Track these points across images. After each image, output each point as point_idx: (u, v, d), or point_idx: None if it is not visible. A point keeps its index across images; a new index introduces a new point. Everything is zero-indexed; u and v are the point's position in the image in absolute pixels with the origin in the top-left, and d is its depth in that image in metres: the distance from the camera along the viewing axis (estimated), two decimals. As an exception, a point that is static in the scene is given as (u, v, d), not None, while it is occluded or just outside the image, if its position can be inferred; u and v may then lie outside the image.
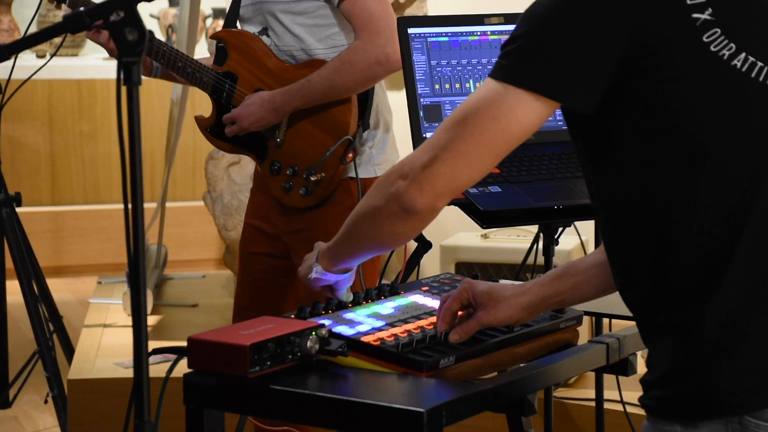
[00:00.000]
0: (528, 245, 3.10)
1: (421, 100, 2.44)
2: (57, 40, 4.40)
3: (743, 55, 1.53)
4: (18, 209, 3.49)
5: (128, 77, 1.47)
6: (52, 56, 3.41)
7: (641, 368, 1.76)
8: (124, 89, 1.48)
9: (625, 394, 2.96)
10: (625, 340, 1.90)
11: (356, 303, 1.84)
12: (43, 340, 3.39)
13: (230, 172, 4.69)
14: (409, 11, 4.45)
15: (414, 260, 2.34)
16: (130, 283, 1.50)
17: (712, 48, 1.52)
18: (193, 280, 5.30)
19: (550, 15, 1.53)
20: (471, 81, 2.50)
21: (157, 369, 1.72)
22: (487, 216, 2.26)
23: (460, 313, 1.75)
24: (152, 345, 1.55)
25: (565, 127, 1.64)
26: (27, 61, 6.09)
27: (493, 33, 2.53)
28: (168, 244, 5.38)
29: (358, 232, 1.72)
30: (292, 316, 1.76)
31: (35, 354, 3.42)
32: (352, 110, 2.81)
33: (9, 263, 3.46)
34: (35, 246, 3.59)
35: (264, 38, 2.87)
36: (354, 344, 1.66)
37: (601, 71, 1.51)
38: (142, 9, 1.50)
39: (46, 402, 3.48)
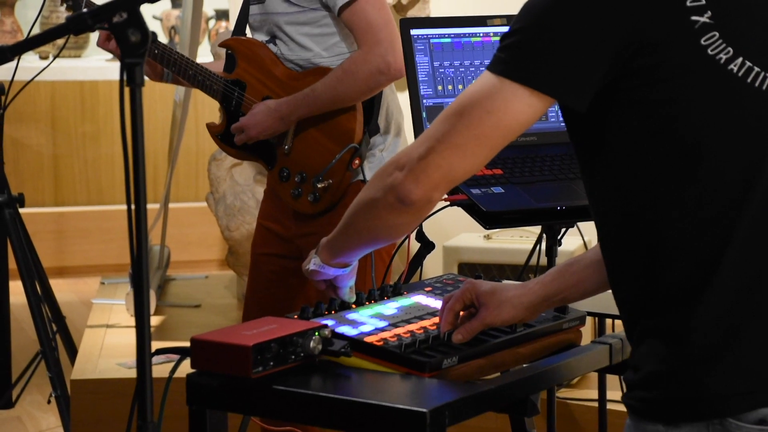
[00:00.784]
0: (531, 246, 3.10)
1: (424, 101, 2.44)
2: (60, 41, 4.40)
3: (740, 59, 1.53)
4: (21, 210, 3.49)
5: (131, 78, 1.47)
6: (55, 58, 3.42)
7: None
8: (127, 90, 1.48)
9: (628, 394, 2.96)
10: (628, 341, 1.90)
11: (359, 303, 1.84)
12: (46, 340, 3.39)
13: (233, 173, 4.69)
14: (412, 13, 4.45)
15: (417, 261, 2.34)
16: (133, 283, 1.51)
17: (709, 51, 1.52)
18: (195, 280, 5.30)
19: (549, 11, 1.53)
20: (474, 82, 2.50)
21: (160, 369, 1.72)
22: (489, 217, 2.26)
23: (462, 313, 1.75)
24: (155, 345, 1.56)
25: (568, 128, 1.64)
26: (30, 62, 6.10)
27: (495, 34, 2.53)
28: (171, 245, 5.39)
29: (356, 224, 1.73)
30: (295, 316, 1.76)
31: (38, 354, 3.43)
32: (357, 117, 2.82)
33: (12, 264, 3.47)
34: (38, 247, 3.60)
35: (271, 46, 2.88)
36: (357, 345, 1.67)
37: (596, 69, 1.51)
38: (145, 10, 1.49)
39: (49, 402, 3.49)
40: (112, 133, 6.36)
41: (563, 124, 1.63)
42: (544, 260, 2.56)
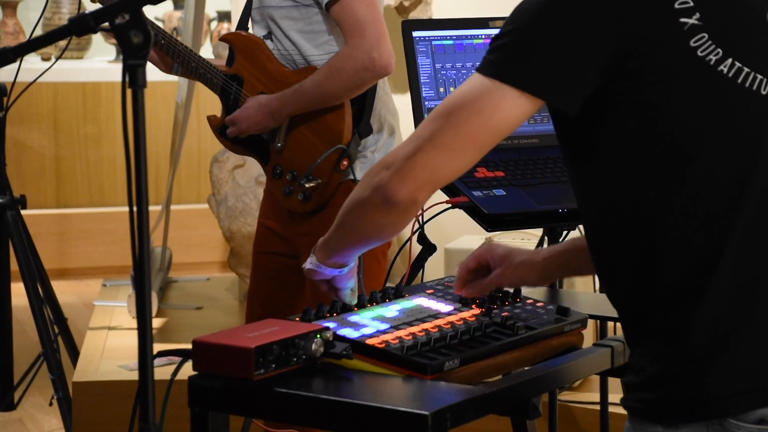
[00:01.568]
0: (533, 249, 3.09)
1: (426, 103, 2.44)
2: (62, 42, 4.40)
3: (730, 60, 1.53)
4: (23, 212, 3.49)
5: (133, 80, 1.47)
6: (57, 59, 3.42)
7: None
8: (129, 92, 1.48)
9: (630, 397, 2.96)
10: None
11: (361, 306, 1.84)
12: (48, 342, 3.39)
13: (235, 175, 4.69)
14: (414, 14, 4.45)
15: (418, 263, 2.34)
16: (134, 285, 1.51)
17: (699, 53, 1.52)
18: (197, 282, 5.30)
19: (540, 13, 1.53)
20: (476, 84, 2.50)
21: (161, 371, 1.72)
22: (491, 219, 2.26)
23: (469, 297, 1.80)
24: (157, 347, 1.56)
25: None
26: (32, 63, 6.10)
27: (497, 36, 2.53)
28: (173, 247, 5.39)
29: (346, 224, 1.74)
30: (297, 318, 1.76)
31: (40, 356, 3.43)
32: (345, 118, 2.81)
33: (14, 266, 3.47)
34: (40, 248, 3.60)
35: (268, 42, 2.89)
36: (358, 347, 1.66)
37: (586, 72, 1.51)
38: (147, 12, 1.50)
39: (51, 404, 3.48)
40: (114, 135, 6.37)
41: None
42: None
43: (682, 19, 1.52)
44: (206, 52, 6.31)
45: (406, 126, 2.96)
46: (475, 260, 1.84)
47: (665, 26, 1.52)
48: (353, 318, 1.78)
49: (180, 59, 2.88)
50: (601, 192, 1.57)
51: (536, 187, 2.34)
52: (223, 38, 2.95)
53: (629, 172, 1.54)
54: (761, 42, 1.57)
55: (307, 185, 2.81)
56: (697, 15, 1.53)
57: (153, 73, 2.97)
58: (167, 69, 2.95)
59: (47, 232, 6.02)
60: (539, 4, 1.53)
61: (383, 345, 1.66)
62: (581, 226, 2.60)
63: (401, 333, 1.72)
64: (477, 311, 1.85)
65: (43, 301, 3.45)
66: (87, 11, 1.54)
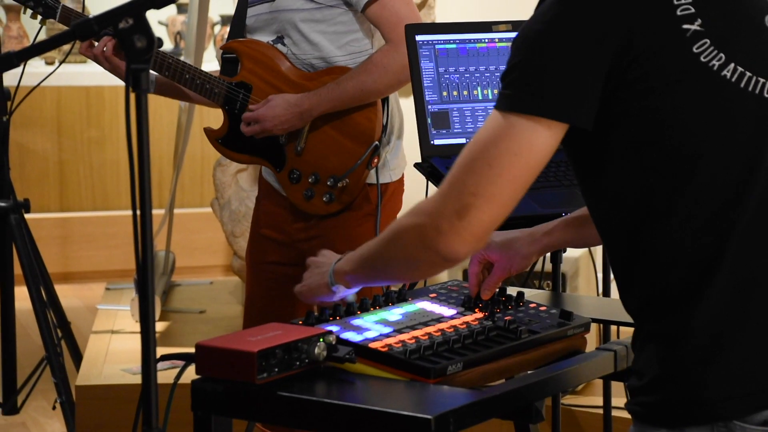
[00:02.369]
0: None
1: (429, 107, 2.44)
2: (66, 47, 4.41)
3: (732, 65, 1.54)
4: (26, 215, 3.49)
5: (137, 84, 1.47)
6: (60, 63, 3.42)
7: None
8: (132, 96, 1.48)
9: (633, 401, 2.95)
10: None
11: (364, 309, 1.84)
12: (51, 346, 3.39)
13: (238, 179, 4.70)
14: (417, 18, 4.45)
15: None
16: (138, 289, 1.51)
17: (702, 59, 1.53)
18: (200, 286, 5.30)
19: (542, 38, 1.53)
20: (479, 88, 2.50)
21: (164, 375, 1.72)
22: (494, 223, 2.25)
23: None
24: (160, 351, 1.56)
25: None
26: (36, 68, 6.11)
27: (500, 40, 2.53)
28: (176, 251, 5.39)
29: (389, 274, 1.73)
30: (300, 322, 1.76)
31: (43, 360, 3.43)
32: (377, 115, 2.81)
33: (17, 269, 3.47)
34: (43, 252, 3.60)
35: (279, 47, 2.86)
36: (362, 350, 1.66)
37: (596, 85, 1.52)
38: (151, 16, 1.50)
39: (54, 408, 3.49)
40: (117, 139, 6.37)
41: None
42: (548, 266, 2.56)
43: (685, 26, 1.53)
44: (210, 55, 6.31)
45: (408, 129, 2.96)
46: (477, 263, 1.89)
47: (668, 33, 1.52)
48: (356, 321, 1.78)
49: (170, 72, 2.82)
50: (610, 199, 1.58)
51: (539, 191, 2.34)
52: (227, 47, 2.90)
53: (636, 177, 1.54)
54: (761, 46, 1.57)
55: (339, 185, 2.80)
56: (699, 21, 1.53)
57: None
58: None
59: (50, 235, 6.03)
60: (541, 30, 1.53)
61: (386, 349, 1.66)
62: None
63: (404, 337, 1.72)
64: (480, 315, 1.85)
65: (47, 305, 3.45)
66: (91, 16, 1.54)
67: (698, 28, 1.53)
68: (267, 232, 2.96)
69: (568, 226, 1.91)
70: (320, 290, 1.81)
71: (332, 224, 2.87)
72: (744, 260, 1.53)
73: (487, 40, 2.52)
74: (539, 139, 1.53)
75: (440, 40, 2.48)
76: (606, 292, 2.97)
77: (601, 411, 2.96)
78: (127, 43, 1.47)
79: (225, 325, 4.47)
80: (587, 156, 1.59)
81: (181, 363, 1.67)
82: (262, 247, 2.97)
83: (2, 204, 3.43)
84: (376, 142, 2.79)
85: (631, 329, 1.90)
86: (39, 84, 3.45)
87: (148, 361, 1.50)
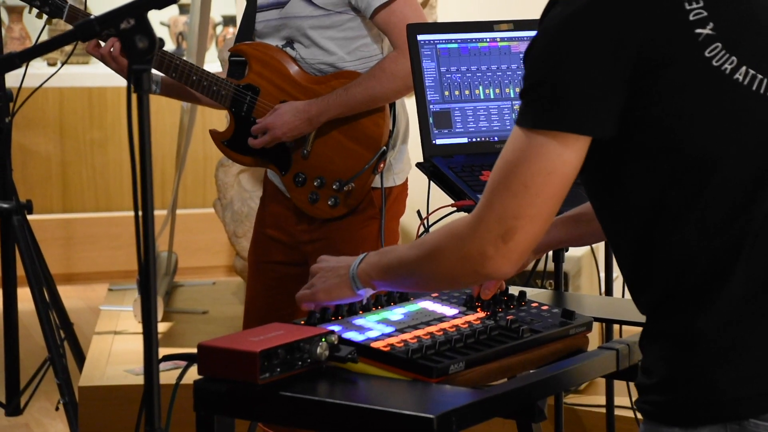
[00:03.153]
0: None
1: (431, 106, 2.44)
2: (68, 48, 4.41)
3: (744, 68, 1.54)
4: (29, 217, 3.50)
5: (139, 85, 1.47)
6: (63, 64, 3.43)
7: (651, 374, 1.76)
8: (134, 97, 1.48)
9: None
10: (635, 346, 1.90)
11: (366, 309, 1.84)
12: (54, 347, 3.40)
13: (240, 180, 4.70)
14: (419, 18, 4.44)
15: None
16: (140, 290, 1.51)
17: (714, 63, 1.53)
18: (203, 287, 5.31)
19: (561, 52, 1.52)
20: (480, 87, 2.50)
21: (167, 376, 1.72)
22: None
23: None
24: (162, 352, 1.56)
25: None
26: (38, 69, 6.11)
27: (502, 39, 2.53)
28: (178, 251, 5.39)
29: (424, 286, 1.74)
30: (302, 322, 1.76)
31: (46, 361, 3.43)
32: (385, 120, 2.82)
33: (20, 271, 3.47)
34: (46, 253, 3.60)
35: (289, 50, 2.87)
36: (364, 350, 1.67)
37: (617, 96, 1.52)
38: (153, 17, 1.50)
39: (57, 409, 3.49)
40: (120, 140, 6.37)
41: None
42: (551, 265, 2.56)
43: (697, 30, 1.53)
44: (212, 56, 6.31)
45: (411, 130, 2.96)
46: None
47: (681, 38, 1.52)
48: (358, 321, 1.78)
49: (178, 74, 2.83)
50: (624, 205, 1.58)
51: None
52: (236, 49, 2.90)
53: (651, 182, 1.55)
54: None
55: (345, 189, 2.81)
56: (711, 25, 1.53)
57: (158, 77, 2.97)
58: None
59: (53, 237, 6.03)
60: (557, 43, 1.53)
61: (388, 348, 1.67)
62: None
63: (406, 336, 1.72)
64: (482, 314, 1.85)
65: (50, 306, 3.46)
66: (92, 16, 1.54)
67: (710, 32, 1.53)
68: (271, 232, 2.97)
69: (565, 225, 1.92)
70: (342, 292, 1.79)
71: (336, 227, 2.87)
72: (758, 262, 1.54)
73: (488, 40, 2.52)
74: (569, 155, 1.53)
75: (442, 40, 2.48)
76: (608, 291, 2.97)
77: (603, 410, 2.96)
78: (128, 44, 1.47)
79: (227, 326, 4.48)
80: (600, 163, 1.59)
81: (183, 363, 1.67)
82: (266, 246, 2.98)
83: (5, 205, 3.43)
84: (384, 148, 2.80)
85: (634, 328, 1.90)
86: (41, 85, 3.45)
87: (151, 362, 1.50)
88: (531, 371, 1.78)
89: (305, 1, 2.82)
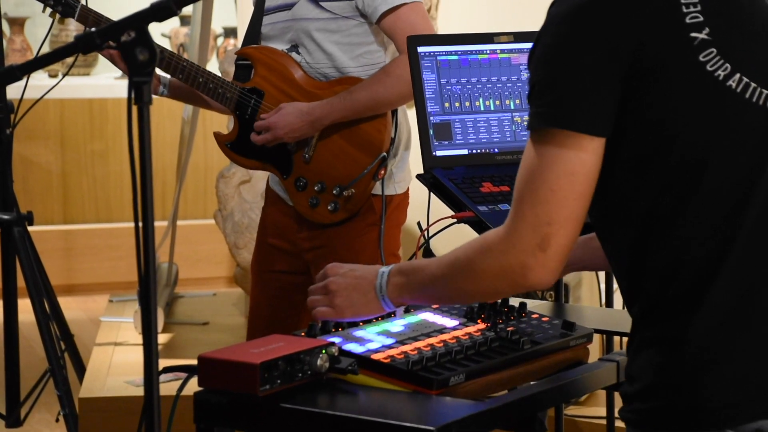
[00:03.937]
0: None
1: (431, 118, 2.44)
2: (69, 59, 4.41)
3: (738, 75, 1.54)
4: (30, 228, 3.50)
5: (139, 97, 1.48)
6: (64, 76, 3.43)
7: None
8: (135, 108, 1.48)
9: (637, 412, 2.95)
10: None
11: (366, 321, 1.84)
12: (54, 358, 3.39)
13: (241, 191, 4.70)
14: (419, 30, 4.45)
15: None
16: (141, 301, 1.51)
17: (708, 68, 1.53)
18: (203, 298, 5.30)
19: (565, 54, 1.53)
20: (480, 99, 2.50)
21: (167, 387, 1.72)
22: (497, 234, 2.26)
23: None
24: (163, 363, 1.56)
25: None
26: (39, 80, 6.12)
27: (502, 51, 2.54)
28: (179, 262, 5.39)
29: (462, 300, 1.75)
30: (303, 333, 1.76)
31: (47, 372, 3.43)
32: (387, 126, 2.82)
33: (21, 282, 3.47)
34: (47, 264, 3.60)
35: (294, 55, 2.88)
36: (364, 362, 1.66)
37: (615, 98, 1.53)
38: (154, 28, 1.50)
39: (57, 420, 3.49)
40: (121, 151, 6.38)
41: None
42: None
43: (693, 34, 1.53)
44: (212, 67, 6.32)
45: (412, 140, 2.96)
46: None
47: (676, 41, 1.53)
48: (358, 333, 1.78)
49: (184, 75, 2.85)
50: (615, 208, 1.59)
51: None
52: (242, 52, 2.92)
53: (641, 187, 1.55)
54: (766, 56, 1.58)
55: (344, 194, 2.81)
56: (707, 30, 1.54)
57: (159, 89, 2.98)
58: (152, 91, 2.93)
59: (54, 248, 6.03)
60: (560, 46, 1.53)
61: (388, 360, 1.66)
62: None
63: (407, 348, 1.72)
64: (482, 326, 1.85)
65: (50, 317, 3.46)
66: (93, 29, 1.55)
67: (705, 36, 1.53)
68: (274, 241, 2.97)
69: (583, 246, 1.90)
70: (371, 310, 1.77)
71: (336, 233, 2.87)
72: (745, 269, 1.54)
73: (488, 52, 2.53)
74: (586, 156, 1.54)
75: (442, 52, 2.49)
76: (609, 303, 2.97)
77: (604, 422, 2.96)
78: (129, 56, 1.48)
79: (228, 337, 4.47)
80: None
81: (183, 375, 1.67)
82: (269, 255, 2.98)
83: (6, 217, 3.44)
84: (384, 154, 2.80)
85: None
86: (42, 96, 3.45)
87: (151, 373, 1.50)
88: (531, 383, 1.77)
89: (313, 3, 2.83)
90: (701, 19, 1.54)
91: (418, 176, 2.48)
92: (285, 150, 2.87)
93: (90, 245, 6.21)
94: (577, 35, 1.53)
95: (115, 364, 4.02)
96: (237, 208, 4.68)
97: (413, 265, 1.74)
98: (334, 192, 2.83)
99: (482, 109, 2.50)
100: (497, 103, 2.51)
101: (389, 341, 1.74)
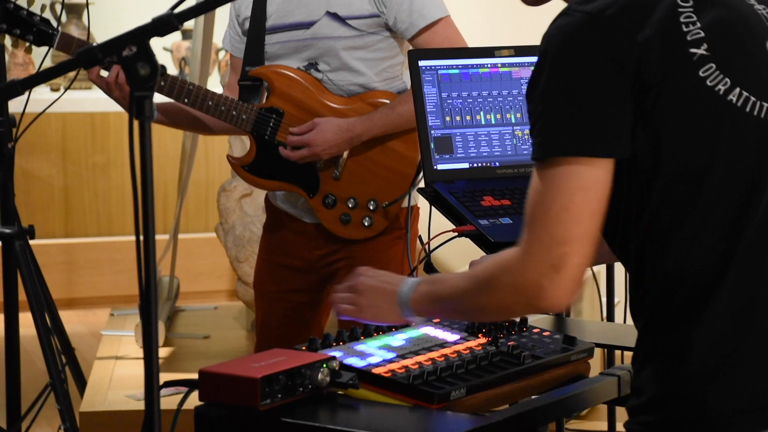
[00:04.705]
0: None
1: (432, 132, 2.45)
2: (71, 73, 4.43)
3: (738, 89, 1.55)
4: (31, 242, 3.49)
5: (140, 111, 1.48)
6: (66, 90, 3.43)
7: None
8: (136, 123, 1.49)
9: (638, 426, 2.94)
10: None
11: (367, 335, 1.84)
12: (55, 372, 3.39)
13: (242, 204, 4.70)
14: (420, 44, 4.46)
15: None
16: (142, 315, 1.51)
17: (708, 83, 1.54)
18: (205, 311, 5.30)
19: (568, 79, 1.52)
20: (482, 113, 2.50)
21: (168, 401, 1.72)
22: (497, 248, 2.26)
23: None
24: (164, 377, 1.56)
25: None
26: (41, 94, 6.13)
27: (503, 65, 2.54)
28: (180, 276, 5.39)
29: (479, 317, 1.75)
30: (303, 348, 1.76)
31: (47, 386, 3.42)
32: (415, 138, 2.81)
33: (22, 295, 3.47)
34: (48, 278, 3.60)
35: (313, 72, 2.86)
36: (365, 376, 1.66)
37: (625, 116, 1.52)
38: (155, 42, 1.51)
39: (58, 435, 3.48)
40: (122, 164, 6.38)
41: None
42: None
43: (692, 50, 1.54)
44: (214, 81, 6.33)
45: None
46: None
47: (677, 57, 1.53)
48: (359, 347, 1.78)
49: (191, 100, 2.79)
50: (620, 221, 1.59)
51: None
52: (256, 73, 2.86)
53: (644, 198, 1.55)
54: (763, 70, 1.58)
55: (384, 208, 2.80)
56: (705, 45, 1.54)
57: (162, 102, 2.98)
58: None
59: (55, 261, 6.03)
60: (562, 70, 1.52)
61: (389, 374, 1.66)
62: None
63: (408, 362, 1.72)
64: (483, 340, 1.85)
65: (51, 331, 3.45)
66: (95, 43, 1.55)
67: (704, 52, 1.54)
68: (280, 259, 2.93)
69: None
70: (389, 317, 1.76)
71: (361, 247, 2.85)
72: (746, 279, 1.54)
73: (489, 66, 2.53)
74: (599, 173, 1.52)
75: (443, 66, 2.49)
76: (610, 317, 2.96)
77: (606, 436, 2.95)
78: (130, 71, 1.48)
79: (229, 351, 4.47)
80: None
81: (184, 389, 1.67)
82: (276, 274, 2.94)
83: (7, 230, 3.44)
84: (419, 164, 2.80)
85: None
86: (44, 110, 3.45)
87: (152, 387, 1.50)
88: (532, 397, 1.77)
89: (338, 21, 2.80)
90: (701, 35, 1.55)
91: (419, 190, 2.49)
92: (311, 168, 2.84)
93: (91, 259, 6.21)
94: (581, 55, 1.52)
95: (116, 377, 4.02)
96: (238, 222, 4.68)
97: (439, 276, 1.74)
98: (370, 207, 2.81)
99: (483, 122, 2.50)
100: (498, 116, 2.51)
101: (390, 355, 1.74)
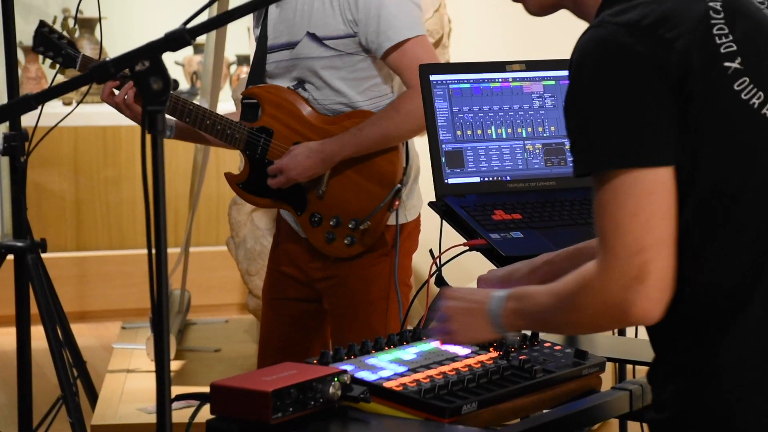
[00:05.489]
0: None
1: (443, 146, 2.45)
2: (83, 87, 4.44)
3: None
4: (43, 255, 3.50)
5: (153, 125, 1.49)
6: (78, 104, 3.45)
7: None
8: (148, 137, 1.49)
9: (650, 440, 2.93)
10: (649, 387, 1.89)
11: (378, 348, 1.84)
12: (67, 385, 3.39)
13: (253, 218, 4.71)
14: (432, 58, 4.46)
15: (436, 306, 2.33)
16: (153, 328, 1.51)
17: (743, 96, 1.53)
18: (216, 325, 5.31)
19: (614, 93, 1.51)
20: (492, 127, 2.51)
21: (180, 415, 1.72)
22: (508, 261, 2.26)
23: None
24: (175, 390, 1.56)
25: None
26: (53, 108, 6.15)
27: (514, 80, 2.54)
28: (191, 289, 5.40)
29: (571, 332, 1.78)
30: (315, 361, 1.76)
31: (59, 400, 3.43)
32: (399, 158, 2.84)
33: (34, 308, 3.48)
34: (60, 291, 3.61)
35: (301, 92, 2.89)
36: (376, 390, 1.66)
37: (672, 125, 1.51)
38: (167, 56, 1.51)
39: (69, 447, 3.48)
40: (134, 177, 6.40)
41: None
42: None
43: (726, 63, 1.53)
44: (226, 95, 6.35)
45: (424, 168, 2.97)
46: None
47: (713, 69, 1.53)
48: (371, 361, 1.78)
49: (191, 119, 2.85)
50: None
51: (553, 230, 2.34)
52: (249, 92, 2.92)
53: (677, 214, 1.53)
54: None
55: (361, 228, 2.82)
56: (739, 59, 1.54)
57: (172, 117, 2.99)
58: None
59: (67, 275, 6.04)
60: (607, 84, 1.51)
61: (401, 388, 1.66)
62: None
63: (419, 376, 1.71)
64: (494, 354, 1.85)
65: (63, 344, 3.46)
66: (108, 58, 1.56)
67: (738, 66, 1.54)
68: (286, 269, 2.98)
69: (570, 258, 1.88)
70: (483, 336, 1.74)
71: (348, 265, 2.89)
72: None
73: (500, 80, 2.53)
74: (661, 174, 1.50)
75: (454, 80, 2.49)
76: (621, 331, 2.95)
77: (617, 450, 2.94)
78: (143, 86, 1.49)
79: (240, 364, 4.47)
80: None
81: (196, 402, 1.67)
82: (281, 283, 2.99)
83: (19, 244, 3.45)
84: (398, 185, 2.82)
85: (648, 368, 1.88)
86: (57, 124, 3.47)
87: (163, 401, 1.50)
88: (544, 411, 1.77)
89: (316, 42, 2.84)
90: (734, 48, 1.54)
91: (430, 204, 2.49)
92: (299, 187, 2.88)
93: (103, 272, 6.22)
94: (623, 65, 1.51)
95: (127, 391, 4.02)
96: (249, 235, 4.69)
97: (525, 291, 1.69)
98: (350, 226, 2.84)
99: (494, 137, 2.50)
100: (509, 131, 2.51)
101: (401, 369, 1.74)
